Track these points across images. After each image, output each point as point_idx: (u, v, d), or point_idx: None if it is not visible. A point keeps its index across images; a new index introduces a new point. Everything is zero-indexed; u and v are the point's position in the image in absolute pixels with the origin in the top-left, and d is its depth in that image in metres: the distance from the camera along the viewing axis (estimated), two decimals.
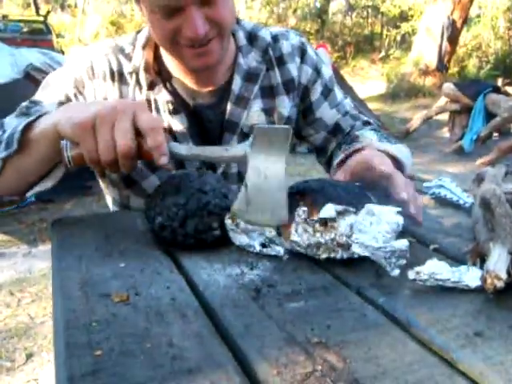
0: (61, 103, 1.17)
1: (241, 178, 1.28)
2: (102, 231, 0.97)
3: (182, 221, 0.85)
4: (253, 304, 0.69)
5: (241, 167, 1.28)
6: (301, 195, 0.85)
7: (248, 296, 0.71)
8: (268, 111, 1.28)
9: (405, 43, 18.06)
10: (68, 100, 1.20)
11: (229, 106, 1.23)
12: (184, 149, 0.90)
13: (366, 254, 0.76)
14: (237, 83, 1.24)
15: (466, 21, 12.36)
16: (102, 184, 1.39)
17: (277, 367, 0.55)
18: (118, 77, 1.22)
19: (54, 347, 0.61)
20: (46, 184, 1.01)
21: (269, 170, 0.84)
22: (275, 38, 1.30)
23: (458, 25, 11.64)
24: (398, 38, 18.93)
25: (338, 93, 1.39)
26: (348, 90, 7.31)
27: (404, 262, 0.75)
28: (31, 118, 0.97)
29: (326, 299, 0.71)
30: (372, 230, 0.77)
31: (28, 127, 0.96)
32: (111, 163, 0.87)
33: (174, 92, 1.23)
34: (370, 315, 0.67)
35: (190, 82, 1.23)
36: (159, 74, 1.23)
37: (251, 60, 1.26)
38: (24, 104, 1.18)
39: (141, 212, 1.02)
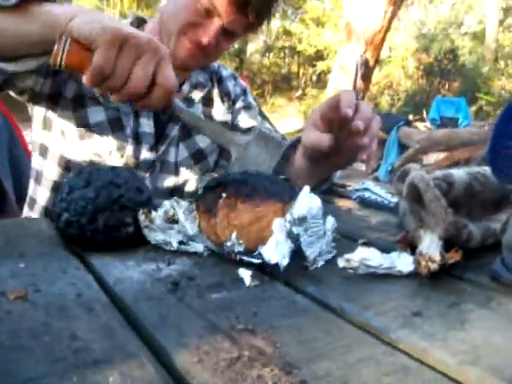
0: None
1: (177, 170, 1.40)
2: (2, 237, 0.86)
3: (91, 216, 0.77)
4: (170, 296, 0.62)
5: (179, 158, 1.40)
6: (223, 187, 0.79)
7: (164, 289, 0.64)
8: (206, 116, 1.48)
9: (321, 82, 18.62)
10: None
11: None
12: (186, 112, 0.97)
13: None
14: (186, 88, 1.44)
15: (377, 60, 12.88)
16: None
17: (198, 355, 0.48)
18: None
19: None
20: (10, 65, 0.97)
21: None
22: (218, 67, 1.57)
23: (371, 63, 12.10)
24: (314, 77, 19.50)
25: (261, 119, 1.59)
26: None
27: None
28: None
29: (251, 289, 0.64)
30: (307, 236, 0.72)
31: None
32: (110, 88, 0.82)
33: None
34: (299, 302, 0.61)
35: None
36: None
37: (200, 77, 1.49)
38: None
39: (45, 217, 0.93)
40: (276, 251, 0.68)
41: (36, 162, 1.41)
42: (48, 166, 1.36)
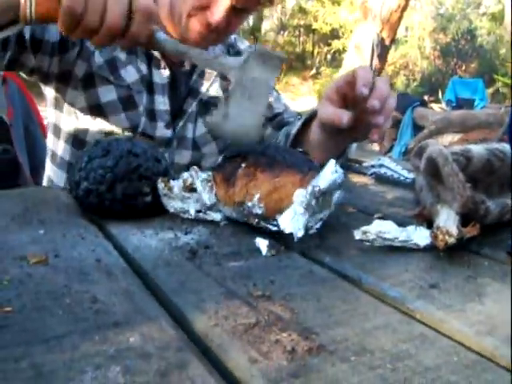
0: None
1: (196, 146, 1.39)
2: (21, 204, 0.87)
3: (109, 185, 0.77)
4: (188, 264, 0.62)
5: (196, 133, 1.39)
6: (243, 157, 0.79)
7: (182, 257, 0.64)
8: (225, 90, 1.43)
9: (335, 61, 18.45)
10: None
11: (194, 76, 1.40)
12: (171, 42, 0.91)
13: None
14: None
15: (393, 40, 12.72)
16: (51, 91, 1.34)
17: (216, 319, 0.48)
18: None
19: None
20: None
21: (255, 91, 0.88)
22: (235, 40, 1.55)
23: (387, 43, 11.95)
24: (329, 56, 19.31)
25: (276, 93, 1.55)
26: None
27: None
28: None
29: (267, 259, 0.65)
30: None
31: None
32: (90, 29, 0.76)
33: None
34: (316, 272, 0.61)
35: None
36: None
37: (217, 50, 1.46)
38: None
39: (64, 188, 0.94)
40: (292, 222, 0.68)
41: (50, 141, 1.40)
42: (61, 146, 1.35)
